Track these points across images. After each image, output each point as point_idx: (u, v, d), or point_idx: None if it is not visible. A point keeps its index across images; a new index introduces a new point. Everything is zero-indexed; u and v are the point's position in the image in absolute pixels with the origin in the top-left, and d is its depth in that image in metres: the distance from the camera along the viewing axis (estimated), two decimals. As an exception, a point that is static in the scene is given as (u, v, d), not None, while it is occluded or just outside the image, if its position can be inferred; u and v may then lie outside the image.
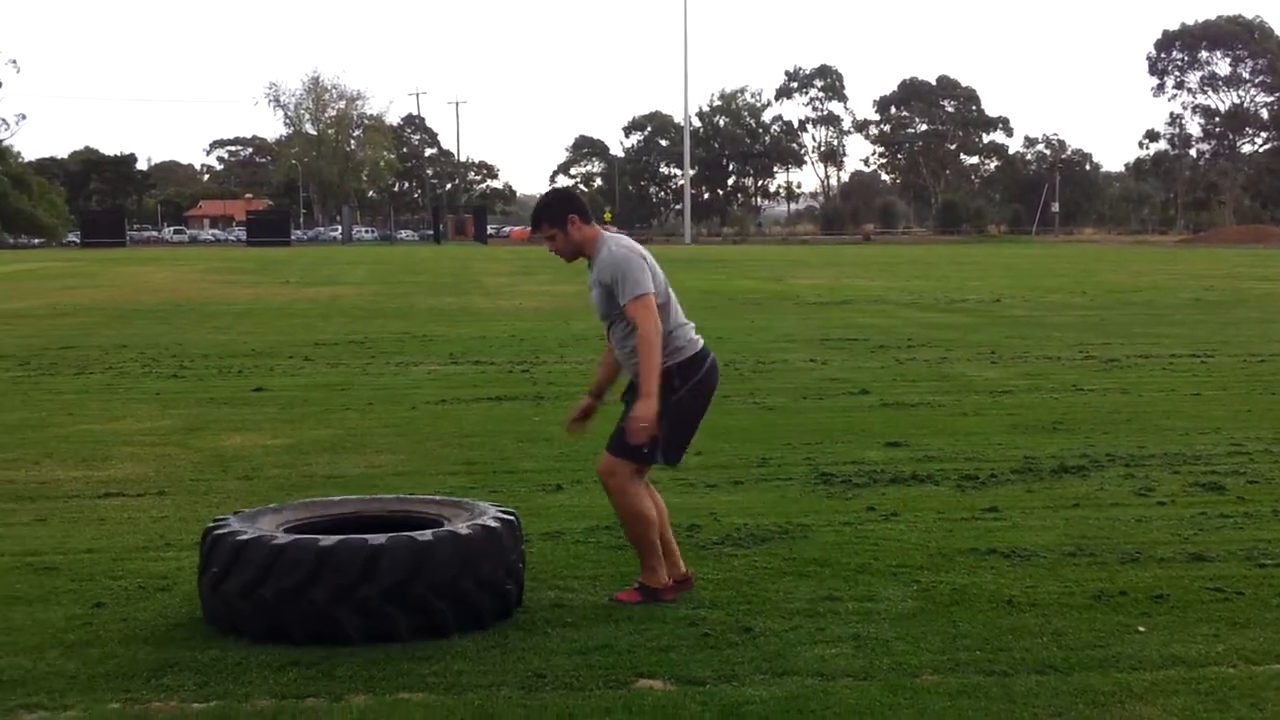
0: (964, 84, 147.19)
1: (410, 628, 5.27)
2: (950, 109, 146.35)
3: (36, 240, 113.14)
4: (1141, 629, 5.42)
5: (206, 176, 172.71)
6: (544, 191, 6.38)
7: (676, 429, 5.81)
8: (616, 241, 5.97)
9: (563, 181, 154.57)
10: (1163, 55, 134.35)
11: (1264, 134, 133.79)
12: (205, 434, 10.64)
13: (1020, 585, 6.06)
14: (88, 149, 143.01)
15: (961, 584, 6.07)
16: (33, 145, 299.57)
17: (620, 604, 5.77)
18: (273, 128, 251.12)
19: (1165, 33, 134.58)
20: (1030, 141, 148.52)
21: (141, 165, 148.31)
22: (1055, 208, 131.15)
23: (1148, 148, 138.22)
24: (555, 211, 5.95)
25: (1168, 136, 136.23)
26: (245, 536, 5.41)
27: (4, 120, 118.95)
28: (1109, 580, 6.13)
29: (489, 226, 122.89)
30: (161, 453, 9.80)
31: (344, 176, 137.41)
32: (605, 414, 6.29)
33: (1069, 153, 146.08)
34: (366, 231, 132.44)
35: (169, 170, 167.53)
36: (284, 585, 5.22)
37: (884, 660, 5.05)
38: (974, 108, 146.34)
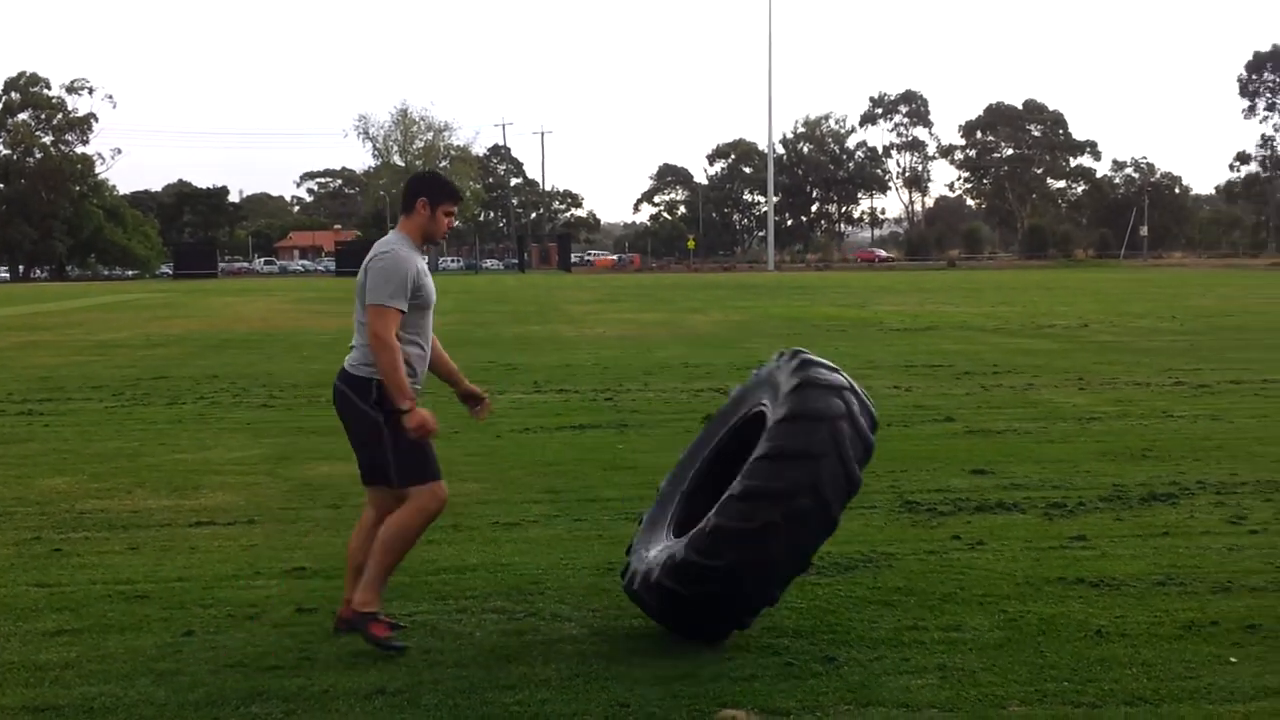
0: (1051, 107, 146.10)
1: None
2: (1037, 133, 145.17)
3: (130, 272, 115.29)
4: (1233, 660, 5.34)
5: (296, 208, 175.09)
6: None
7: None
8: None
9: (646, 211, 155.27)
10: (1254, 77, 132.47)
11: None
12: (294, 463, 10.77)
13: (1109, 615, 5.98)
14: (181, 182, 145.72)
15: (1049, 614, 6.01)
16: (127, 179, 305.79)
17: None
18: (361, 159, 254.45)
19: (1256, 54, 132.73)
20: (1118, 165, 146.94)
21: (233, 197, 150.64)
22: (1144, 231, 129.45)
23: (1238, 170, 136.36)
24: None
25: (1259, 158, 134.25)
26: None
27: (99, 155, 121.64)
28: (1200, 610, 6.04)
29: (573, 255, 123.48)
30: (251, 482, 9.93)
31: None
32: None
33: (1158, 176, 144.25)
34: (452, 261, 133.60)
35: (260, 202, 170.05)
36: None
37: (970, 691, 5.00)
38: (1061, 131, 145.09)
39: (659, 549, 5.72)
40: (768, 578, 5.29)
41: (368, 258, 5.85)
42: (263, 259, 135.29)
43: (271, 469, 10.51)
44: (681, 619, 5.51)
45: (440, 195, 5.94)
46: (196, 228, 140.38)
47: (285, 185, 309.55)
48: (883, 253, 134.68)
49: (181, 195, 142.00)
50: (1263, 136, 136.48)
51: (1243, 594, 6.30)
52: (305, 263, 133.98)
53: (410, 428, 5.63)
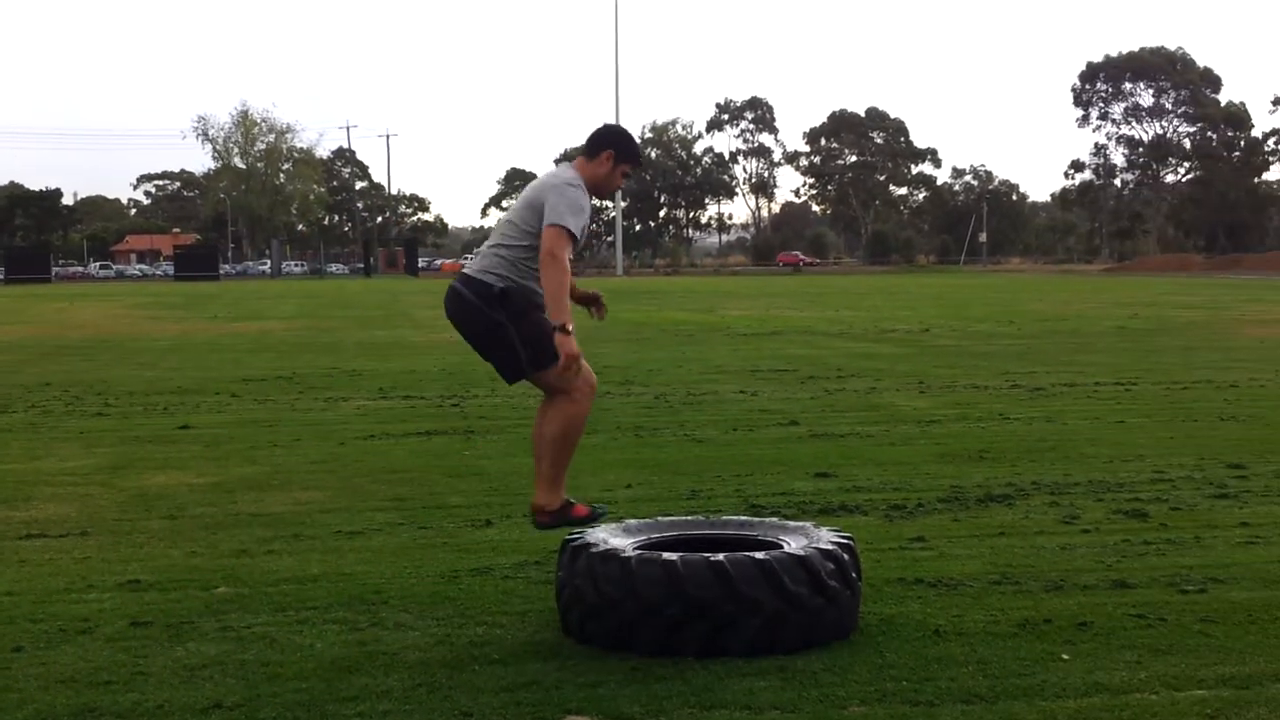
0: (893, 115, 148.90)
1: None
2: (879, 140, 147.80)
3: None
4: (1065, 657, 5.47)
5: (134, 211, 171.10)
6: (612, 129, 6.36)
7: None
8: None
9: (494, 214, 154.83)
10: (1087, 87, 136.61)
11: (1186, 164, 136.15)
12: (129, 473, 10.51)
13: (947, 614, 6.09)
14: (12, 184, 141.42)
15: (889, 614, 6.10)
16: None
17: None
18: (201, 161, 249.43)
19: (1089, 64, 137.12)
20: (958, 173, 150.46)
21: (67, 200, 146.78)
22: (983, 238, 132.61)
23: (1073, 178, 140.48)
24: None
25: (1092, 167, 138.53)
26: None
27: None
28: (1034, 608, 6.18)
29: (420, 259, 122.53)
30: (84, 492, 9.66)
31: (273, 210, 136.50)
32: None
33: (996, 183, 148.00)
34: (296, 265, 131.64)
35: (95, 205, 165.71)
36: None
37: (811, 692, 5.05)
38: (902, 139, 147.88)
39: None
40: None
41: (547, 180, 5.98)
42: (98, 263, 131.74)
43: (106, 479, 10.24)
44: None
45: (626, 154, 6.05)
46: (29, 231, 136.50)
47: (122, 188, 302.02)
48: (804, 256, 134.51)
49: (13, 198, 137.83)
50: (1096, 145, 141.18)
51: (1075, 592, 6.46)
52: (143, 267, 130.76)
53: (566, 351, 5.85)
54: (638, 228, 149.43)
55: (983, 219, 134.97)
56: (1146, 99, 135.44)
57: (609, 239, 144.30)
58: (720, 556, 5.53)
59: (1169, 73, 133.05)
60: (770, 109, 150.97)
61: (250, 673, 5.37)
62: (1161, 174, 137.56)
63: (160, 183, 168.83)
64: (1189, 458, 10.68)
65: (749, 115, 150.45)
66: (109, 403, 15.69)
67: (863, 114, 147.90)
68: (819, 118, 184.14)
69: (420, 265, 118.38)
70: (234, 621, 6.10)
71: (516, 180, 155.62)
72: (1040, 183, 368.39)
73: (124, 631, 5.99)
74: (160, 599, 6.56)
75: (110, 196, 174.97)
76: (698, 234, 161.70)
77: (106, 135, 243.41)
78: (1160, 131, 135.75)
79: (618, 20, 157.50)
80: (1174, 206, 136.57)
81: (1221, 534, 7.81)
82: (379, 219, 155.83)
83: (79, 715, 4.89)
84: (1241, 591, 6.47)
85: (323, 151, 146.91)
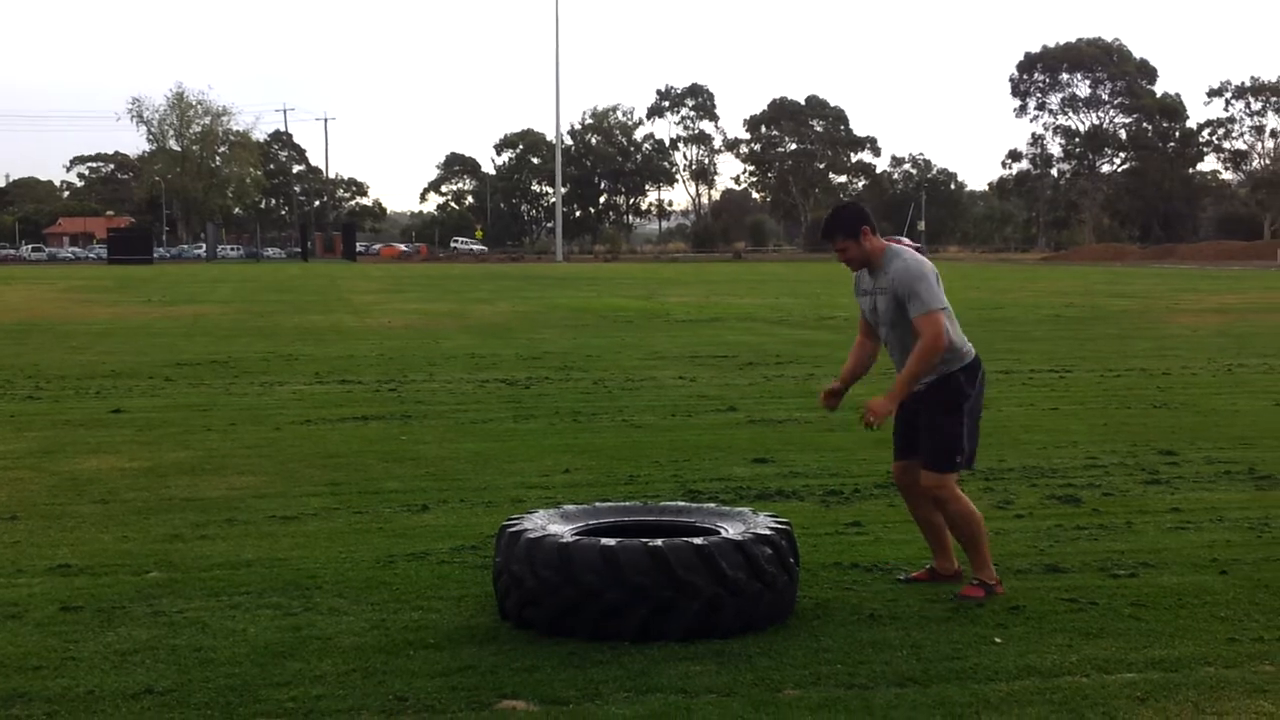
0: (832, 104, 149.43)
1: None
2: (819, 128, 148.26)
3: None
4: (998, 640, 5.51)
5: (67, 193, 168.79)
6: (834, 206, 6.68)
7: (975, 431, 6.36)
8: (912, 255, 6.33)
9: (433, 200, 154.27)
10: (1025, 77, 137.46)
11: (1122, 154, 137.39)
12: (60, 457, 10.38)
13: (882, 599, 6.13)
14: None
15: (824, 598, 6.13)
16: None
17: (966, 599, 6.09)
18: (135, 143, 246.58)
19: (1027, 54, 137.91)
20: (897, 161, 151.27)
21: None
22: (921, 226, 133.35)
23: (1010, 167, 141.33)
24: (849, 224, 6.32)
25: (1030, 156, 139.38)
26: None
27: None
28: (968, 593, 6.22)
29: (359, 244, 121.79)
30: (15, 476, 9.53)
31: (209, 193, 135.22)
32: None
33: (934, 172, 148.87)
34: (232, 249, 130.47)
35: (27, 187, 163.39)
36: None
37: (747, 675, 5.06)
38: (842, 127, 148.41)
39: None
40: None
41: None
42: (30, 246, 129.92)
43: (36, 463, 10.11)
44: None
45: None
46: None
47: (55, 170, 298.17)
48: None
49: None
50: (1033, 135, 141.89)
51: (1008, 577, 6.51)
52: (76, 250, 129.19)
53: None
54: (578, 214, 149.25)
55: (921, 207, 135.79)
56: (1083, 90, 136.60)
57: (549, 225, 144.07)
58: (658, 542, 5.53)
59: (1106, 64, 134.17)
60: (711, 96, 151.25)
61: (182, 658, 5.32)
62: (1097, 164, 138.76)
63: (94, 165, 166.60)
64: (1121, 444, 10.80)
65: (690, 102, 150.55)
66: (40, 386, 15.49)
67: (803, 102, 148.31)
68: (759, 105, 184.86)
69: (358, 250, 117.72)
70: (166, 606, 6.04)
71: (456, 165, 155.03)
72: (978, 172, 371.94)
73: (54, 616, 5.92)
74: (91, 584, 6.48)
75: (43, 178, 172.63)
76: (638, 220, 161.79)
77: (40, 117, 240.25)
78: (1097, 122, 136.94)
79: (558, 5, 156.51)
80: (1109, 196, 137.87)
81: (1152, 519, 7.91)
82: (316, 203, 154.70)
83: (8, 701, 4.83)
84: (1171, 576, 6.55)
85: (259, 134, 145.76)
